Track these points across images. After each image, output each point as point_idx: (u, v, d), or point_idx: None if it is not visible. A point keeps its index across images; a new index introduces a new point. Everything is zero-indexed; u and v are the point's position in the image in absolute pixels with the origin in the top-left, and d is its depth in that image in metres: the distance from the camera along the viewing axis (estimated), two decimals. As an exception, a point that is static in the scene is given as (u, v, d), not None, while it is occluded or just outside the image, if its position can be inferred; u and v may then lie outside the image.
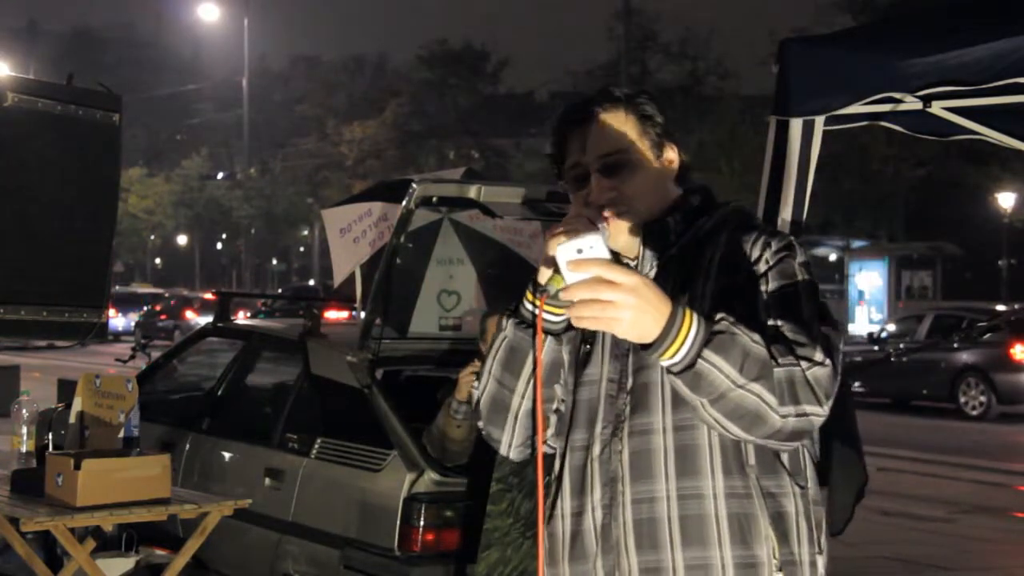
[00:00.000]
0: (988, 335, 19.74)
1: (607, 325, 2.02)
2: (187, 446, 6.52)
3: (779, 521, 2.23)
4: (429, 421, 5.35)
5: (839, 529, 5.70)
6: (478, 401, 2.40)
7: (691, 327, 2.04)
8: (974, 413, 19.11)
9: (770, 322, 2.16)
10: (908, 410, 19.85)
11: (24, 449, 5.15)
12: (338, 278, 6.80)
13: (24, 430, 5.15)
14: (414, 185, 5.32)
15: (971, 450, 14.97)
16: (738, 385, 2.05)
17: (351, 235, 6.62)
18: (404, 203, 5.31)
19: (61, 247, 5.06)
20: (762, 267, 2.26)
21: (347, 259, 6.67)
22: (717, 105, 41.11)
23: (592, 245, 2.00)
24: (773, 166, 4.22)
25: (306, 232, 58.12)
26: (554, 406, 2.36)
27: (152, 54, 78.28)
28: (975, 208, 36.38)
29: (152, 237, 63.45)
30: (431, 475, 5.15)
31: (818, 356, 2.11)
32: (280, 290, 41.28)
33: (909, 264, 36.74)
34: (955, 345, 19.72)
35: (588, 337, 2.35)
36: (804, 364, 2.09)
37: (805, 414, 2.09)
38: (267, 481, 5.94)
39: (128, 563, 5.73)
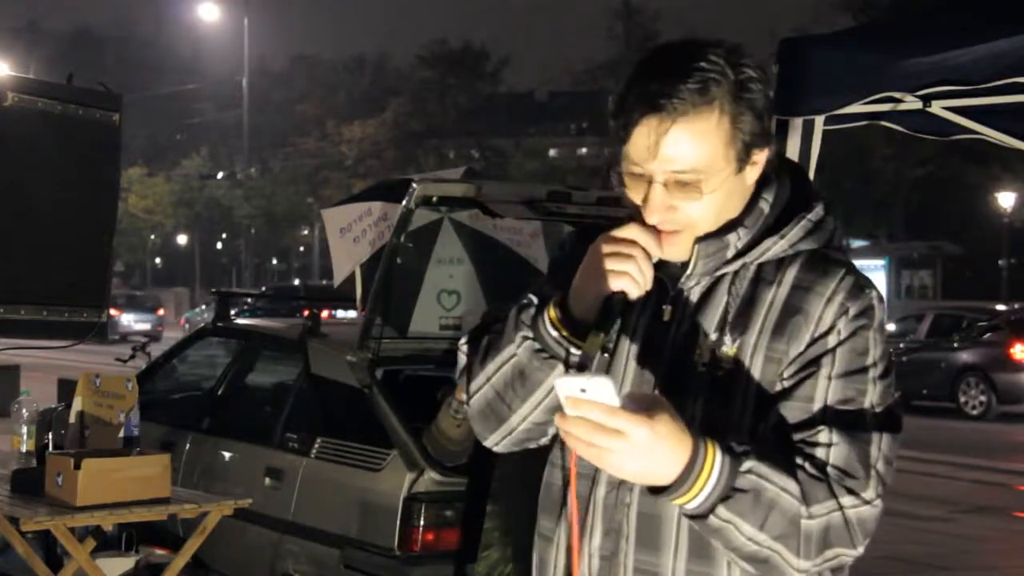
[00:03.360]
0: (988, 335, 19.74)
1: (605, 468, 1.78)
2: (187, 446, 6.52)
3: None
4: (429, 421, 5.35)
5: None
6: (470, 396, 2.10)
7: (708, 480, 1.76)
8: (974, 413, 19.11)
9: (823, 436, 1.84)
10: (908, 410, 19.76)
11: (24, 449, 5.15)
12: (338, 278, 6.80)
13: (24, 430, 5.14)
14: (414, 185, 5.32)
15: (971, 449, 14.97)
16: (754, 542, 1.80)
17: (351, 235, 6.62)
18: (404, 203, 5.31)
19: (61, 247, 5.06)
20: (832, 340, 1.88)
21: (347, 259, 6.67)
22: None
23: (598, 387, 1.71)
24: (773, 166, 4.22)
25: (306, 232, 58.13)
26: (553, 431, 2.03)
27: (152, 54, 78.30)
28: (975, 208, 36.41)
29: (152, 237, 63.48)
30: (431, 475, 5.15)
31: (868, 494, 1.83)
32: (264, 288, 41.21)
33: (909, 264, 36.75)
34: (955, 345, 19.72)
35: (608, 349, 2.01)
36: (848, 501, 1.82)
37: (832, 558, 1.84)
38: (267, 481, 5.93)
39: (128, 563, 5.73)
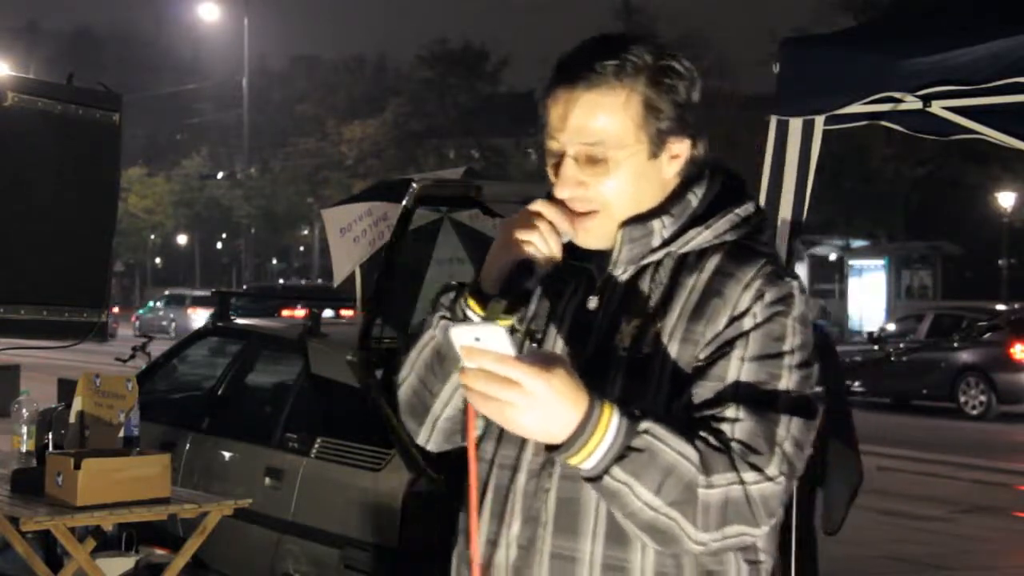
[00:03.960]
0: (988, 335, 19.74)
1: (500, 423, 1.78)
2: (187, 446, 6.52)
3: None
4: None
5: (835, 528, 5.72)
6: (398, 388, 2.12)
7: (604, 438, 1.75)
8: (974, 412, 19.11)
9: (730, 411, 1.84)
10: (908, 410, 19.85)
11: (24, 449, 5.15)
12: (338, 278, 6.81)
13: (24, 430, 5.14)
14: (414, 185, 5.33)
15: (971, 449, 14.97)
16: (650, 508, 1.78)
17: (351, 235, 6.63)
18: (404, 203, 5.31)
19: (61, 247, 5.06)
20: (747, 323, 1.90)
21: (347, 259, 6.68)
22: (717, 105, 41.14)
23: (492, 335, 1.71)
24: (773, 166, 4.22)
25: (306, 232, 58.14)
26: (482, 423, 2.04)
27: (152, 54, 78.26)
28: (975, 208, 36.41)
29: (152, 237, 63.45)
30: (431, 475, 5.15)
31: (771, 470, 1.81)
32: (244, 286, 41.41)
33: (909, 264, 36.74)
34: (955, 345, 19.72)
35: (536, 338, 2.04)
36: (750, 477, 1.80)
37: (733, 536, 1.82)
38: (267, 481, 5.94)
39: (128, 563, 5.73)
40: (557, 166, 1.97)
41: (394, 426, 5.32)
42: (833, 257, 40.73)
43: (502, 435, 2.03)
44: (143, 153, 63.51)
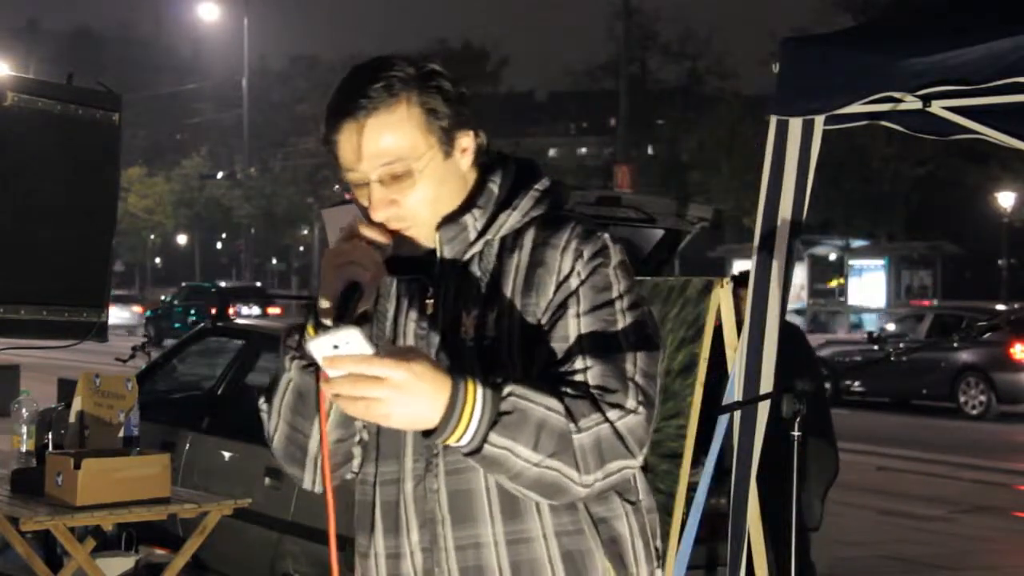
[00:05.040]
0: (988, 335, 19.73)
1: (377, 420, 1.84)
2: (187, 446, 6.53)
3: (613, 547, 2.08)
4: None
5: (817, 523, 5.73)
6: (271, 442, 2.16)
7: (474, 410, 1.83)
8: (974, 412, 19.11)
9: (579, 362, 1.95)
10: (908, 409, 19.85)
11: (24, 448, 5.15)
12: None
13: (24, 429, 5.14)
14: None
15: (971, 449, 14.97)
16: (533, 464, 1.87)
17: (351, 235, 6.61)
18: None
19: (61, 246, 5.05)
20: (574, 282, 2.01)
21: (347, 259, 6.66)
22: (717, 105, 41.16)
23: (348, 340, 1.76)
24: (773, 166, 4.23)
25: (306, 232, 58.13)
26: (356, 438, 2.13)
27: (152, 54, 78.28)
28: (975, 208, 36.44)
29: (152, 237, 63.47)
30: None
31: (630, 403, 1.92)
32: (183, 284, 41.82)
33: (909, 264, 36.76)
34: (955, 345, 19.72)
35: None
36: (614, 415, 1.91)
37: (615, 472, 1.92)
38: (267, 480, 5.94)
39: (128, 563, 5.74)
40: (366, 194, 2.04)
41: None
42: (833, 257, 40.75)
43: (379, 454, 2.11)
44: (143, 153, 63.51)
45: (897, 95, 4.21)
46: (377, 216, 2.03)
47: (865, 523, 9.48)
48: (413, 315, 2.11)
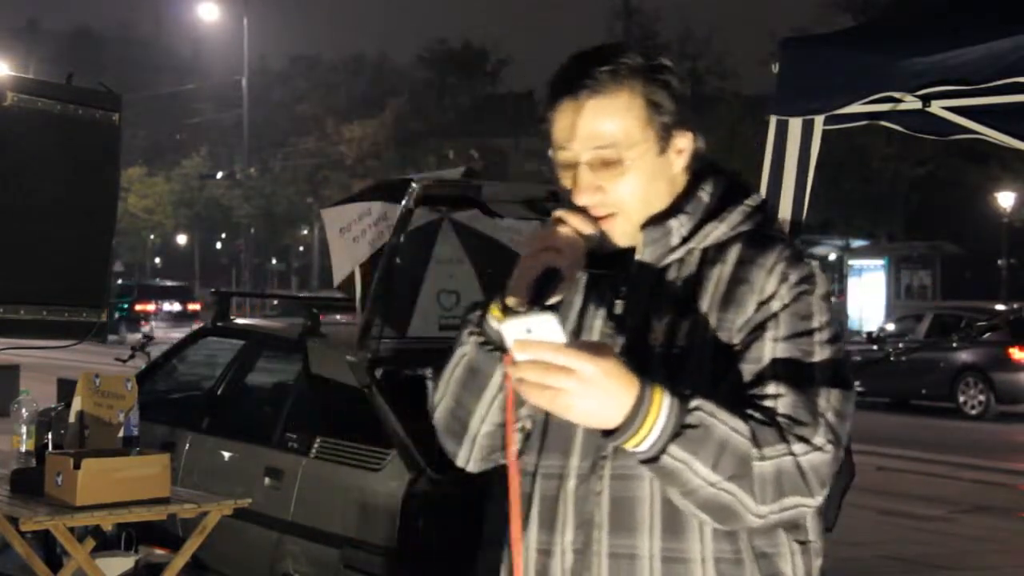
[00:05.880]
0: (987, 335, 19.74)
1: (557, 412, 1.80)
2: (187, 445, 6.52)
3: None
4: (429, 421, 5.34)
5: (831, 524, 5.73)
6: (434, 411, 2.15)
7: (658, 418, 1.79)
8: (973, 412, 19.12)
9: (771, 388, 1.90)
10: (908, 409, 19.85)
11: (24, 448, 5.14)
12: (338, 278, 6.79)
13: (24, 429, 5.14)
14: (414, 185, 5.32)
15: (971, 449, 14.97)
16: (709, 483, 1.82)
17: (351, 235, 6.62)
18: (404, 203, 5.31)
19: (61, 247, 5.05)
20: (775, 305, 1.96)
21: (347, 259, 6.67)
22: (717, 105, 41.13)
23: (543, 325, 1.74)
24: (773, 165, 4.22)
25: (306, 232, 58.12)
26: (518, 425, 2.07)
27: (152, 54, 78.22)
28: (975, 208, 36.41)
29: (152, 237, 63.45)
30: (431, 475, 5.15)
31: (818, 440, 1.87)
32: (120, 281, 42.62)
33: (909, 264, 36.74)
34: (954, 345, 19.72)
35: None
36: (799, 449, 1.85)
37: (790, 507, 1.87)
38: (267, 480, 5.93)
39: (128, 563, 5.73)
40: (571, 176, 2.01)
41: (393, 426, 5.32)
42: (833, 257, 40.72)
43: (543, 446, 2.06)
44: (143, 153, 63.45)
45: (897, 95, 4.21)
46: (580, 200, 2.00)
47: (865, 523, 9.48)
48: (601, 312, 2.07)
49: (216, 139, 63.70)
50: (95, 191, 5.19)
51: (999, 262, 36.21)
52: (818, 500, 1.89)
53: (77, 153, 5.09)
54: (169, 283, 45.56)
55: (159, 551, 5.91)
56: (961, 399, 19.37)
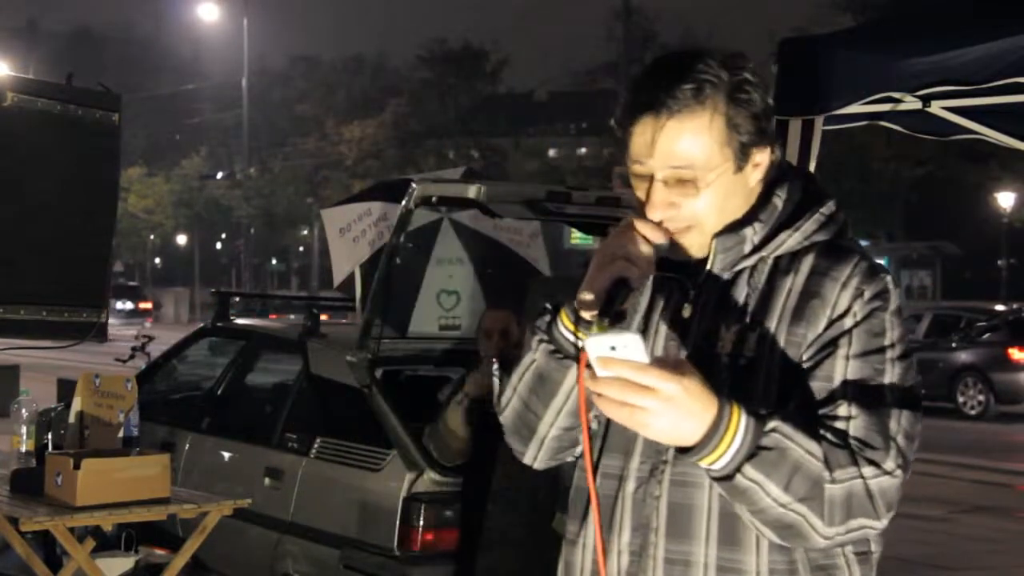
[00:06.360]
0: (987, 335, 19.74)
1: (635, 428, 1.82)
2: (187, 446, 6.52)
3: None
4: (429, 421, 5.34)
5: None
6: (501, 411, 2.16)
7: (735, 437, 1.81)
8: (972, 413, 19.11)
9: (843, 409, 1.89)
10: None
11: (24, 449, 5.14)
12: (338, 278, 6.80)
13: (24, 430, 5.14)
14: (414, 185, 5.32)
15: (970, 449, 14.97)
16: (780, 504, 1.84)
17: (351, 235, 6.63)
18: (404, 203, 5.31)
19: (61, 247, 5.06)
20: (848, 322, 1.94)
21: (347, 259, 6.68)
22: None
23: (627, 344, 1.76)
24: (773, 166, 4.22)
25: (306, 232, 58.09)
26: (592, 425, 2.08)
27: (152, 54, 78.15)
28: (975, 208, 36.43)
29: (152, 237, 63.42)
30: (431, 475, 5.15)
31: (888, 464, 1.87)
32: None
33: (909, 264, 36.75)
34: (954, 345, 19.72)
35: None
36: (869, 471, 1.86)
37: (856, 529, 1.88)
38: (267, 481, 5.93)
39: (127, 563, 5.73)
40: (645, 189, 1.99)
41: (393, 426, 5.32)
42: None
43: (605, 445, 2.07)
44: (143, 153, 63.45)
45: (897, 95, 4.21)
46: (654, 215, 1.98)
47: (865, 523, 9.46)
48: (667, 316, 2.06)
49: (216, 139, 63.69)
50: (95, 191, 5.19)
51: (999, 262, 36.22)
52: (884, 523, 1.90)
53: (77, 153, 5.10)
54: (123, 283, 51.30)
55: (159, 551, 5.91)
56: (960, 399, 19.37)
